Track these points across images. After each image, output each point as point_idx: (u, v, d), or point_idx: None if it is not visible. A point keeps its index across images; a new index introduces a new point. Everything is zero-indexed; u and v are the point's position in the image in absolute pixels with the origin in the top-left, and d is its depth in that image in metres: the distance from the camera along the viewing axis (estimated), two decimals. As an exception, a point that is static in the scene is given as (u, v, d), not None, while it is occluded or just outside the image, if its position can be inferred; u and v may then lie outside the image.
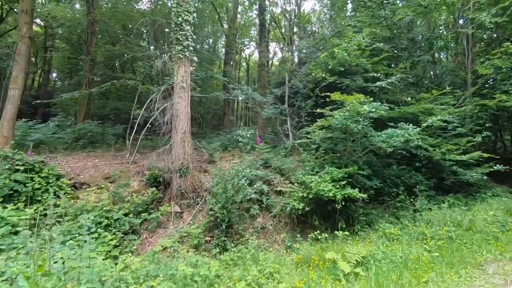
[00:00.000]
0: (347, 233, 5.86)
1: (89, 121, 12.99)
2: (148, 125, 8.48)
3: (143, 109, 8.58)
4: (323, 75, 8.87)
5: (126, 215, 6.68)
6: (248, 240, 6.48)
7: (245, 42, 29.78)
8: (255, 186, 7.05)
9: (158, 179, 7.47)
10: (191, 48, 7.58)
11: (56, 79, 25.58)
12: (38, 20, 21.23)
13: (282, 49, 17.90)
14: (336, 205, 6.38)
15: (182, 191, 7.31)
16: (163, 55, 7.76)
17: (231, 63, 25.65)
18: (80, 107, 14.27)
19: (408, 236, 6.19)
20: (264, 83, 13.47)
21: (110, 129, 13.07)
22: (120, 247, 6.18)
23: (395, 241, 6.05)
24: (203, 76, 10.08)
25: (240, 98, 10.15)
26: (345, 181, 6.75)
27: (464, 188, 9.06)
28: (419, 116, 9.13)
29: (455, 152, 7.88)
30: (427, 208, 7.60)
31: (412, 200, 8.07)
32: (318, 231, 6.23)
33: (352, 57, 8.63)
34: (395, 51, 10.43)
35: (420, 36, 13.26)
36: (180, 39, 7.59)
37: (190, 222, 7.05)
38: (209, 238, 6.60)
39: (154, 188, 7.31)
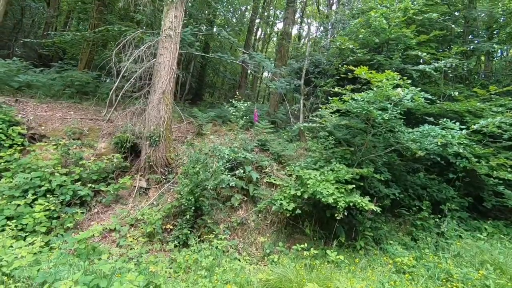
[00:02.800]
0: (341, 257, 4.31)
1: (87, 70, 11.90)
2: (131, 80, 7.07)
3: (129, 61, 7.13)
4: (351, 46, 6.96)
5: (76, 181, 5.46)
6: (216, 237, 5.12)
7: (278, 15, 27.31)
8: (237, 172, 5.56)
9: (124, 145, 6.12)
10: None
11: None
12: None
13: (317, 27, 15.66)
14: (336, 215, 4.82)
15: (151, 163, 5.97)
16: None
17: (257, 33, 23.52)
18: (82, 55, 13.16)
19: (426, 272, 4.59)
20: (284, 53, 11.61)
21: (109, 81, 11.91)
22: (59, 220, 5.01)
23: (406, 275, 4.48)
24: (207, 33, 8.42)
25: (243, 62, 8.49)
26: (354, 185, 5.12)
27: (506, 215, 7.17)
28: (465, 117, 7.19)
29: (509, 169, 5.98)
30: (457, 235, 5.88)
31: (437, 219, 6.35)
32: (307, 244, 4.76)
33: (392, 27, 6.64)
34: (450, 31, 8.22)
35: (481, 22, 10.81)
36: (174, -27, 5.96)
37: (154, 202, 5.76)
38: (171, 227, 5.28)
39: (118, 154, 5.98)
